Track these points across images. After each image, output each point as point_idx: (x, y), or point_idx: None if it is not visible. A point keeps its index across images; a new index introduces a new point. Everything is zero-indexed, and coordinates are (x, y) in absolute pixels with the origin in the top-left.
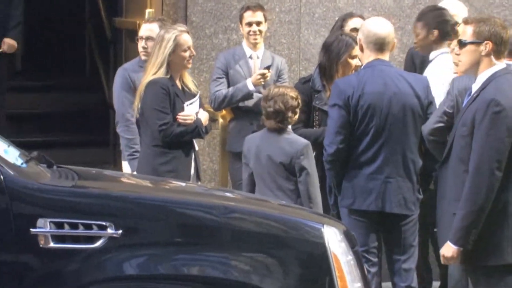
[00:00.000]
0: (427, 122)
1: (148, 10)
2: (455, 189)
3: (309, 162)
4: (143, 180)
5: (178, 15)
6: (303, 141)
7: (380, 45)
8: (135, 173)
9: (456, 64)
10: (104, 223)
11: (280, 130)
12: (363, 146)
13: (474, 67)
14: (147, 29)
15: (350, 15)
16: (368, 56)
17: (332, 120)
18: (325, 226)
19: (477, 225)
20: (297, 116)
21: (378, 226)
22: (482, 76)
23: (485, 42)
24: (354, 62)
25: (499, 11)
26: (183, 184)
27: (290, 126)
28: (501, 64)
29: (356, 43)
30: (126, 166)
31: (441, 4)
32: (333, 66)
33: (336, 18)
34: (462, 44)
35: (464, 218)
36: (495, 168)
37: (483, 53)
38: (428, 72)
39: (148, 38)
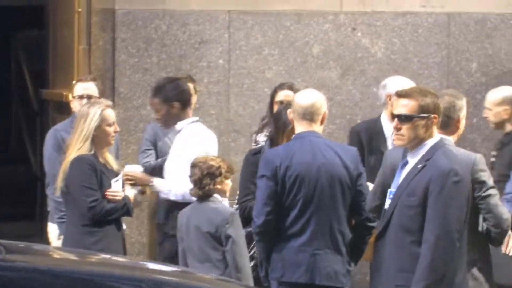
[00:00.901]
0: (367, 198)
1: (75, 82)
2: (398, 260)
3: (235, 231)
4: (71, 254)
5: (105, 86)
6: (229, 209)
7: (305, 115)
8: (62, 237)
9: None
10: None
11: (203, 199)
12: (292, 218)
13: (416, 140)
14: (83, 88)
15: (280, 87)
16: (298, 127)
17: (260, 191)
18: None
19: None
20: (221, 185)
21: None
22: (422, 147)
23: (433, 115)
24: None
25: (428, 82)
26: (112, 257)
27: (217, 195)
28: (438, 135)
29: None
30: (53, 229)
31: (387, 82)
32: (280, 136)
33: (265, 89)
34: (407, 118)
35: None
36: (456, 238)
37: (429, 127)
38: (181, 141)
39: (88, 97)
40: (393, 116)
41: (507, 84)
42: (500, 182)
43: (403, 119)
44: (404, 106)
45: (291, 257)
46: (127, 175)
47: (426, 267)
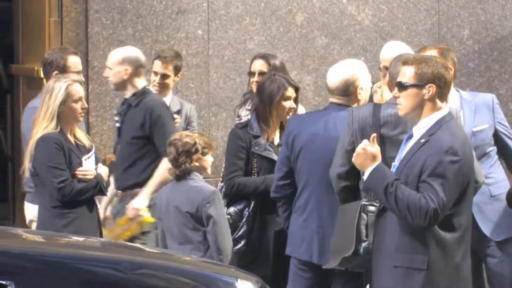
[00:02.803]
0: (332, 164)
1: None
2: (399, 239)
3: (217, 211)
4: (45, 237)
5: None
6: (210, 188)
7: (336, 89)
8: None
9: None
10: (3, 282)
11: (181, 178)
12: (299, 191)
13: (417, 111)
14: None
15: (254, 57)
16: (330, 98)
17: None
18: (239, 280)
19: None
20: (199, 163)
21: (320, 279)
22: (428, 120)
23: (428, 85)
24: (288, 104)
25: (418, 50)
26: (87, 239)
27: (196, 173)
28: (446, 108)
29: (289, 83)
30: (31, 208)
31: (386, 47)
32: (266, 109)
33: (247, 61)
34: (402, 87)
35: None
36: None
37: (426, 97)
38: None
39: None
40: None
41: (501, 51)
42: None
43: (400, 87)
44: (404, 74)
45: (296, 231)
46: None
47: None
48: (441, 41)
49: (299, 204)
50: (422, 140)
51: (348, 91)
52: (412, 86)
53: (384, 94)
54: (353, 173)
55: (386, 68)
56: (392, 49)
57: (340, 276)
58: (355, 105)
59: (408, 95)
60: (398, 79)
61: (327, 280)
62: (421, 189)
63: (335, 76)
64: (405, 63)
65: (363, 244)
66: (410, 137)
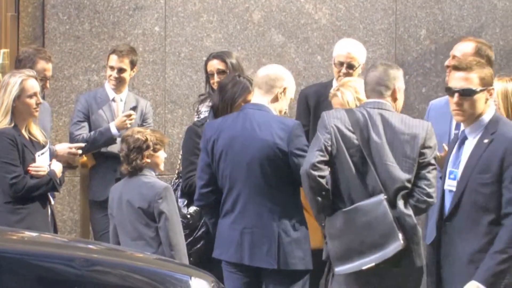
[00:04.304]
0: (305, 159)
1: (2, 51)
2: (475, 241)
3: (169, 206)
4: None
5: None
6: (162, 184)
7: (257, 84)
8: None
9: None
10: None
11: (133, 174)
12: (225, 194)
13: (477, 114)
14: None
15: (208, 58)
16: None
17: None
18: (192, 278)
19: None
20: (151, 159)
21: (251, 280)
22: (482, 121)
23: (491, 87)
24: None
25: (375, 49)
26: (40, 235)
27: (148, 170)
28: (492, 105)
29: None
30: None
31: (340, 43)
32: (227, 109)
33: (204, 58)
34: (468, 93)
35: (503, 262)
36: None
37: (488, 98)
38: None
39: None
40: (449, 90)
41: None
42: None
43: (464, 93)
44: (464, 80)
45: (224, 234)
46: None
47: (507, 243)
48: (398, 41)
49: (226, 208)
50: (486, 140)
51: (270, 90)
52: (481, 91)
53: (345, 96)
54: (326, 165)
55: (341, 64)
56: (347, 45)
57: (273, 275)
58: (274, 105)
59: (476, 100)
60: (459, 86)
61: (258, 280)
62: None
63: (261, 71)
64: (464, 69)
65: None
66: (464, 140)
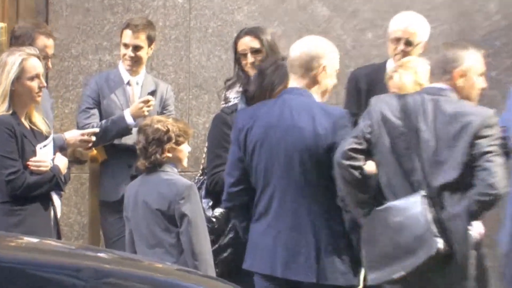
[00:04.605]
0: (339, 147)
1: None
2: None
3: (193, 208)
4: None
5: None
6: (185, 182)
7: (292, 67)
8: None
9: None
10: None
11: (151, 170)
12: (258, 193)
13: None
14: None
15: (238, 35)
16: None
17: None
18: None
19: None
20: (173, 153)
21: None
22: None
23: None
24: None
25: (435, 26)
26: (41, 241)
27: (169, 165)
28: None
29: None
30: None
31: (397, 18)
32: (264, 97)
33: (234, 34)
34: None
35: None
36: None
37: None
38: None
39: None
40: None
41: None
42: None
43: None
44: None
45: (256, 241)
46: None
47: None
48: (463, 16)
49: (259, 210)
50: None
51: (307, 74)
52: None
53: (403, 78)
54: (361, 153)
55: (398, 40)
56: (405, 18)
57: None
58: (315, 88)
59: None
60: None
61: None
62: None
63: (293, 52)
64: None
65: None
66: None
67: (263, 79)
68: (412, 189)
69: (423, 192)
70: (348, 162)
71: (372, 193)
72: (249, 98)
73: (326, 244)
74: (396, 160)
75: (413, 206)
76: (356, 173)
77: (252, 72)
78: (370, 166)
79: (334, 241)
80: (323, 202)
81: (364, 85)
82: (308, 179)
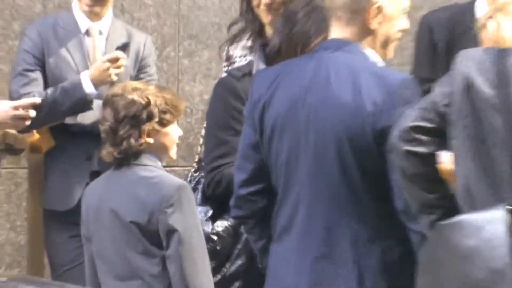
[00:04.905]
0: (397, 124)
1: None
2: None
3: (185, 220)
4: None
5: None
6: (174, 182)
7: (335, 10)
8: None
9: None
10: None
11: (122, 164)
12: (279, 197)
13: None
14: None
15: None
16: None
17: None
18: None
19: None
20: (156, 138)
21: None
22: None
23: None
24: None
25: None
26: None
27: (150, 156)
28: None
29: None
30: None
31: None
32: (294, 52)
33: None
34: None
35: None
36: None
37: None
38: None
39: None
40: None
41: None
42: None
43: None
44: None
45: (278, 269)
46: None
47: None
48: None
49: (281, 223)
50: None
51: (355, 19)
52: None
53: (502, 28)
54: (430, 133)
55: None
56: None
57: None
58: (368, 40)
59: None
60: None
61: None
62: None
63: None
64: None
65: None
66: None
67: (293, 27)
68: (498, 198)
69: (508, 206)
70: (406, 147)
71: (444, 192)
72: (271, 55)
73: (373, 281)
74: (480, 152)
75: (493, 226)
76: (419, 162)
77: (267, 16)
78: (445, 158)
79: (387, 276)
80: (370, 215)
81: (443, 36)
82: (349, 180)
